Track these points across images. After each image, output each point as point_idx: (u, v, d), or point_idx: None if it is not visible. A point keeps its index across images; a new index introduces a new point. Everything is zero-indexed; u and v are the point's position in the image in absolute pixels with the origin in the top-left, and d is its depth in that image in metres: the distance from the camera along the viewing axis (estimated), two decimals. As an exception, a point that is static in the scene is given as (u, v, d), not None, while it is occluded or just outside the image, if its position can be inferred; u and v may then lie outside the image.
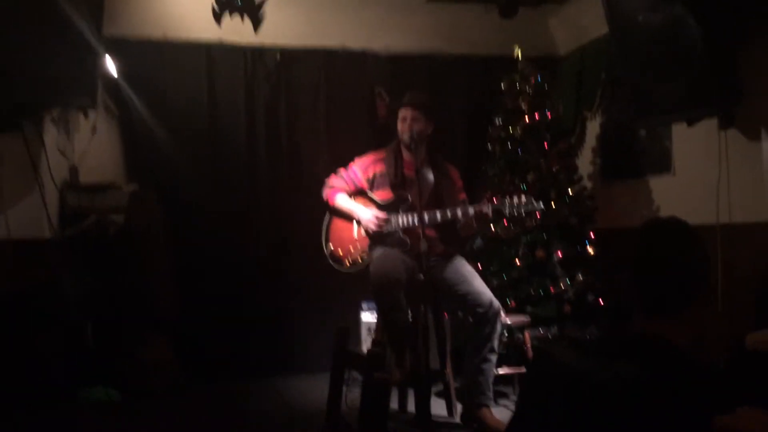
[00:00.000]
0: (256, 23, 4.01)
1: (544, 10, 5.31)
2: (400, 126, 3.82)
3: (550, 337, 4.42)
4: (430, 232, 3.65)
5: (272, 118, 5.25)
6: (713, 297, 3.80)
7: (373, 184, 3.88)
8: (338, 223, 3.93)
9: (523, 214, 3.56)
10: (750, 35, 3.67)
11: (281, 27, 4.99)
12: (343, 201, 3.87)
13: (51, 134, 4.10)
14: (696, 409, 1.29)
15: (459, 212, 3.59)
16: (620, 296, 4.30)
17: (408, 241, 3.69)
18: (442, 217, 3.61)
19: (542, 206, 3.58)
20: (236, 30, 4.74)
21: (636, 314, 1.53)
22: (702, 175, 4.14)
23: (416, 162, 3.62)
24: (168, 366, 4.48)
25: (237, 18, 4.21)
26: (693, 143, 4.29)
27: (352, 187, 3.90)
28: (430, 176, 3.78)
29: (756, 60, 3.69)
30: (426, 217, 3.50)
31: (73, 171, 4.42)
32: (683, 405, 1.29)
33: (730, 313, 3.80)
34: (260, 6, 4.01)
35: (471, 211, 3.57)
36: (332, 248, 3.89)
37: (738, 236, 3.86)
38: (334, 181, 3.94)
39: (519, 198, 3.54)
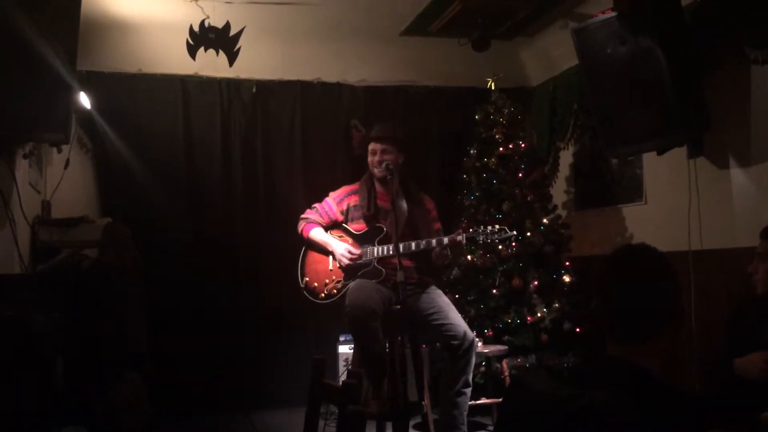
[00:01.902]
0: (231, 57, 4.03)
1: (516, 43, 5.41)
2: (371, 160, 3.85)
3: (528, 366, 4.42)
4: (406, 262, 3.65)
5: (248, 149, 5.26)
6: (686, 322, 3.84)
7: (347, 216, 3.90)
8: (314, 256, 3.93)
9: (497, 242, 3.59)
10: (715, 65, 3.77)
11: (257, 60, 5.02)
12: (317, 234, 3.88)
13: (23, 169, 4.05)
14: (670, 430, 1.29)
15: (434, 242, 3.61)
16: (594, 323, 4.33)
17: (383, 271, 3.69)
18: (416, 247, 3.62)
19: (515, 233, 3.60)
20: (212, 64, 4.75)
21: (608, 340, 1.53)
22: (673, 202, 4.20)
23: (390, 193, 3.64)
24: (140, 402, 4.39)
25: (212, 52, 4.22)
26: (664, 171, 4.37)
27: (327, 220, 3.92)
28: (404, 206, 3.80)
29: (722, 89, 3.79)
30: (401, 247, 3.51)
31: (46, 206, 4.36)
32: (657, 429, 1.29)
33: (704, 337, 3.83)
34: (235, 40, 4.03)
35: (445, 240, 3.59)
36: (307, 281, 3.88)
37: (710, 262, 3.92)
38: (309, 214, 3.96)
39: (492, 227, 3.58)
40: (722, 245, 3.86)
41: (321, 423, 2.70)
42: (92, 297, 4.21)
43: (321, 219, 3.92)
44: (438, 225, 3.93)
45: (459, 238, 3.56)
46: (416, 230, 3.75)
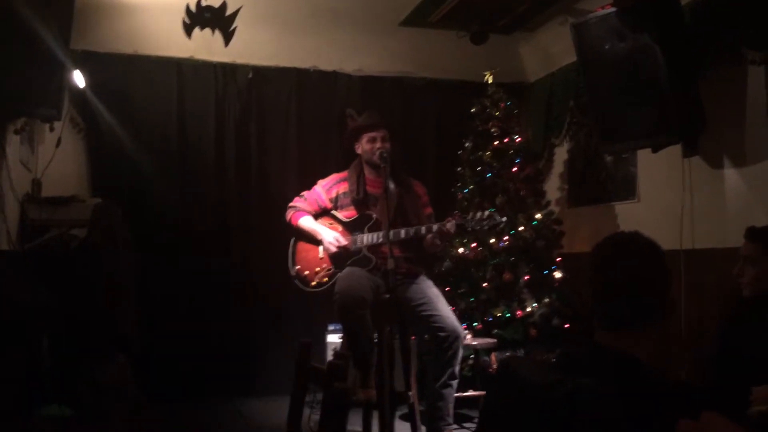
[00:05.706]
0: (227, 37, 3.99)
1: (515, 38, 5.39)
2: (369, 147, 3.79)
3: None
4: (396, 251, 3.63)
5: (242, 135, 5.23)
6: (675, 312, 3.84)
7: (336, 203, 3.87)
8: (304, 244, 3.90)
9: (486, 229, 3.56)
10: (713, 64, 3.76)
11: (253, 46, 4.99)
12: (306, 222, 3.85)
13: (14, 146, 4.02)
14: (658, 417, 1.28)
15: (423, 229, 3.58)
16: (584, 318, 4.33)
17: (373, 259, 3.67)
18: (406, 234, 3.59)
19: (505, 219, 3.58)
20: (208, 47, 4.72)
21: (597, 328, 1.52)
22: (666, 201, 4.20)
23: (381, 179, 3.62)
24: (127, 385, 4.36)
25: (209, 35, 4.18)
26: (658, 170, 4.37)
27: (316, 208, 3.89)
28: (395, 192, 3.77)
29: (718, 89, 3.79)
30: (391, 234, 3.48)
31: (36, 184, 4.33)
32: (645, 414, 1.28)
33: (695, 336, 3.84)
34: (231, 20, 4.00)
35: (434, 227, 3.57)
36: (298, 269, 3.85)
37: (701, 262, 3.92)
38: (297, 202, 3.92)
39: (482, 213, 3.55)
40: (714, 245, 3.87)
41: (306, 411, 2.68)
42: (80, 276, 4.18)
43: (309, 207, 3.89)
44: (429, 210, 3.90)
45: (449, 225, 3.54)
46: (406, 217, 3.73)
